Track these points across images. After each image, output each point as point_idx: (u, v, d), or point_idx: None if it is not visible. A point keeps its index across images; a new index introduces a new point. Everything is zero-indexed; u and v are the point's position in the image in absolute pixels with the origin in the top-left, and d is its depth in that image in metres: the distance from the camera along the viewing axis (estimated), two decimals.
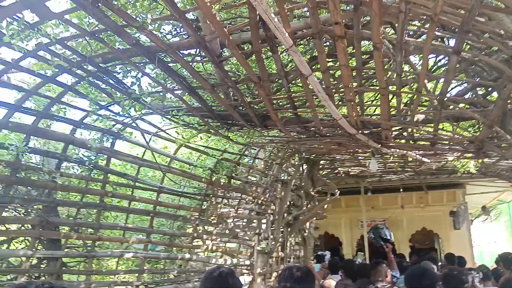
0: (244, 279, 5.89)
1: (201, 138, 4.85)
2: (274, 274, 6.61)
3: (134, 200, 4.39)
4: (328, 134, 4.41)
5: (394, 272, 6.26)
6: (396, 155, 5.65)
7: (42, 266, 3.75)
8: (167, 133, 4.47)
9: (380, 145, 4.40)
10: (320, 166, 7.78)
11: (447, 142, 4.26)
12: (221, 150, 5.24)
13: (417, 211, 12.67)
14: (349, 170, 8.26)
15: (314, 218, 8.22)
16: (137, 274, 4.47)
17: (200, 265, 5.72)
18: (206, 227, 5.67)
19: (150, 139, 4.39)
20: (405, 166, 7.57)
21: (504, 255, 6.89)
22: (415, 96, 3.54)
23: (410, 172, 7.93)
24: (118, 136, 4.03)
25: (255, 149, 6.12)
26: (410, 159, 6.00)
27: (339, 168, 7.91)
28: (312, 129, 4.28)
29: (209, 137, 5.22)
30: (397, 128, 4.33)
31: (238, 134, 4.91)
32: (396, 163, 7.15)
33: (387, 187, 12.61)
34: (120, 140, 4.09)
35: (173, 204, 5.14)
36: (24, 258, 3.50)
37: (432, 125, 3.98)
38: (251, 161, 6.15)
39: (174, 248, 5.40)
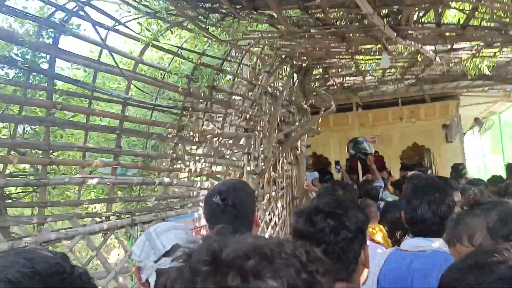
0: None
1: (172, 32, 3.85)
2: (266, 196, 5.96)
3: (93, 114, 3.50)
4: (334, 22, 3.48)
5: (378, 183, 6.25)
6: (406, 52, 4.79)
7: None
8: (127, 27, 3.49)
9: (396, 34, 3.51)
10: (313, 78, 6.90)
11: (485, 22, 3.37)
12: (199, 52, 4.28)
13: (408, 126, 12.13)
14: (344, 80, 7.41)
15: (306, 136, 7.52)
16: (105, 204, 3.70)
17: (183, 190, 4.98)
18: (187, 147, 4.87)
19: (107, 35, 3.41)
20: (406, 72, 6.74)
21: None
22: None
23: (411, 79, 7.12)
24: (61, 29, 3.04)
25: (240, 55, 5.16)
26: (419, 58, 5.16)
27: (333, 78, 7.03)
28: (315, 12, 3.34)
29: (183, 36, 4.26)
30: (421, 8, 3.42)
31: (219, 30, 3.95)
32: (398, 68, 6.32)
33: (377, 103, 12.01)
34: (65, 35, 3.11)
35: (144, 119, 4.26)
36: None
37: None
38: (236, 69, 5.21)
39: (152, 173, 4.63)
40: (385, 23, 3.24)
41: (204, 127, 4.90)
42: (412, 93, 10.40)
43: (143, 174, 4.48)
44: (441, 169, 12.58)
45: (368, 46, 4.62)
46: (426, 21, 3.49)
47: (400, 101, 9.80)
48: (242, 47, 4.64)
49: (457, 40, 4.04)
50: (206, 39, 4.18)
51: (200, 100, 4.54)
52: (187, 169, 4.64)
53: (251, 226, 1.99)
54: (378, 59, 5.54)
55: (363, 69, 6.42)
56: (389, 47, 4.22)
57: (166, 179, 4.31)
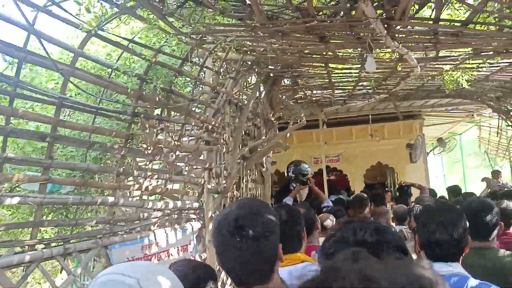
0: (192, 225, 4.52)
1: (121, 21, 3.18)
2: None
3: (16, 115, 2.77)
4: (316, 13, 2.94)
5: (326, 203, 6.35)
6: (388, 59, 4.34)
7: None
8: (63, 9, 2.80)
9: (386, 31, 3.01)
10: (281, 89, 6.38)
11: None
12: (155, 49, 3.62)
13: (372, 144, 11.85)
14: (312, 93, 6.93)
15: (271, 152, 6.95)
16: (30, 229, 2.94)
17: (131, 211, 4.25)
18: (137, 160, 4.17)
19: (36, 18, 2.71)
20: (378, 86, 6.34)
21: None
22: None
23: (383, 93, 6.72)
24: None
25: (202, 56, 4.53)
26: (399, 67, 4.73)
27: (303, 90, 6.52)
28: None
29: (135, 29, 3.59)
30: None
31: (179, 23, 3.32)
32: (372, 80, 5.89)
33: (342, 120, 11.74)
34: None
35: (84, 125, 3.54)
36: None
37: None
38: (198, 72, 4.57)
39: (93, 190, 3.89)
40: (376, 17, 2.72)
41: (159, 137, 4.22)
42: (378, 110, 10.15)
43: (82, 192, 3.73)
44: None
45: (348, 50, 4.13)
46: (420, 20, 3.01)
47: (370, 118, 9.47)
48: (205, 46, 4.03)
49: (450, 45, 3.61)
50: (163, 33, 3.55)
51: (155, 106, 3.86)
52: (136, 187, 3.93)
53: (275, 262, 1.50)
54: (353, 68, 5.09)
55: (334, 80, 5.95)
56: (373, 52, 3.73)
57: (111, 198, 3.58)
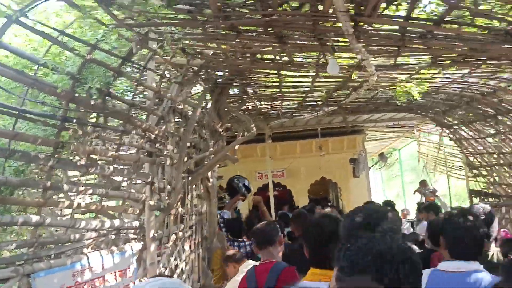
0: (132, 247, 4.02)
1: (46, 8, 2.68)
2: (172, 237, 4.83)
3: None
4: (280, 5, 2.64)
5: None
6: (345, 66, 4.14)
7: None
8: None
9: (353, 29, 2.78)
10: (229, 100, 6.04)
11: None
12: (91, 44, 3.15)
13: (316, 159, 11.83)
14: (261, 104, 6.65)
15: (217, 166, 6.57)
16: None
17: (61, 232, 3.71)
18: (68, 173, 3.63)
19: None
20: (329, 97, 6.18)
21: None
22: None
23: (333, 106, 6.58)
24: None
25: (139, 65, 4.07)
26: (354, 76, 4.56)
27: (252, 99, 6.22)
28: None
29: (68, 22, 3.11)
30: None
31: (121, 12, 2.91)
32: (324, 91, 5.72)
33: (287, 135, 11.64)
34: None
35: (3, 130, 2.98)
36: None
37: None
38: (141, 74, 4.11)
39: (13, 208, 3.30)
40: (346, 10, 2.46)
41: (94, 146, 3.71)
42: (324, 124, 10.11)
43: (0, 211, 3.15)
44: (347, 204, 12.43)
45: (304, 54, 3.88)
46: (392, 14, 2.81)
47: (319, 132, 9.40)
48: (149, 45, 3.61)
49: (413, 49, 3.45)
50: (101, 26, 3.10)
51: (89, 110, 3.38)
52: (67, 203, 3.38)
53: None
54: (307, 76, 4.88)
55: (285, 90, 5.71)
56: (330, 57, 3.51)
57: (35, 218, 3.02)
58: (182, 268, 5.12)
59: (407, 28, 2.88)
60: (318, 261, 2.41)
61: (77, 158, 3.40)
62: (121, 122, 3.81)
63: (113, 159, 3.84)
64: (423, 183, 12.09)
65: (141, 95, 4.56)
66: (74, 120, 3.23)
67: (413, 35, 2.95)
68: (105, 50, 3.33)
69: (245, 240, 6.00)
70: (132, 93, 4.11)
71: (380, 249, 1.19)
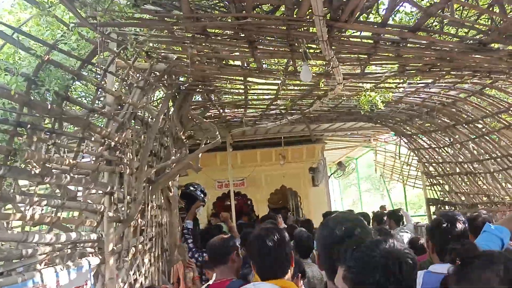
0: (89, 261, 3.76)
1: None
2: (132, 250, 4.59)
3: None
4: (254, 9, 2.54)
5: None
6: (313, 73, 4.09)
7: None
8: None
9: (327, 34, 2.72)
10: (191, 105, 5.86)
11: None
12: (49, 44, 2.93)
13: (277, 168, 11.81)
14: (224, 112, 6.52)
15: (178, 176, 6.36)
16: None
17: (11, 246, 3.42)
18: (20, 182, 3.36)
19: None
20: (293, 106, 6.14)
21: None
22: None
23: (296, 114, 6.55)
24: None
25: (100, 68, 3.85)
26: (321, 84, 4.53)
27: (216, 106, 6.07)
28: None
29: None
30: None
31: (83, 10, 2.71)
32: (288, 100, 5.67)
33: (246, 143, 11.57)
34: None
35: None
36: None
37: None
38: (101, 77, 3.88)
39: None
40: (323, 14, 2.40)
41: (49, 154, 3.45)
42: (284, 133, 10.09)
43: None
44: (307, 213, 12.47)
45: (273, 61, 3.80)
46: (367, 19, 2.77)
47: (282, 141, 9.36)
48: (111, 47, 3.41)
49: (385, 58, 3.44)
50: (60, 25, 2.88)
51: (45, 115, 3.13)
52: (18, 216, 3.10)
53: None
54: (274, 84, 4.80)
55: (250, 98, 5.62)
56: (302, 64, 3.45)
57: None
58: (141, 282, 4.87)
59: (382, 35, 2.86)
60: (264, 272, 2.45)
61: (31, 166, 3.14)
62: (79, 128, 3.57)
63: (70, 167, 3.59)
64: (383, 208, 11.96)
65: (101, 99, 4.31)
66: (29, 126, 2.98)
67: (386, 43, 2.94)
68: (65, 52, 3.11)
69: None
70: (92, 97, 3.86)
71: (386, 250, 1.34)
